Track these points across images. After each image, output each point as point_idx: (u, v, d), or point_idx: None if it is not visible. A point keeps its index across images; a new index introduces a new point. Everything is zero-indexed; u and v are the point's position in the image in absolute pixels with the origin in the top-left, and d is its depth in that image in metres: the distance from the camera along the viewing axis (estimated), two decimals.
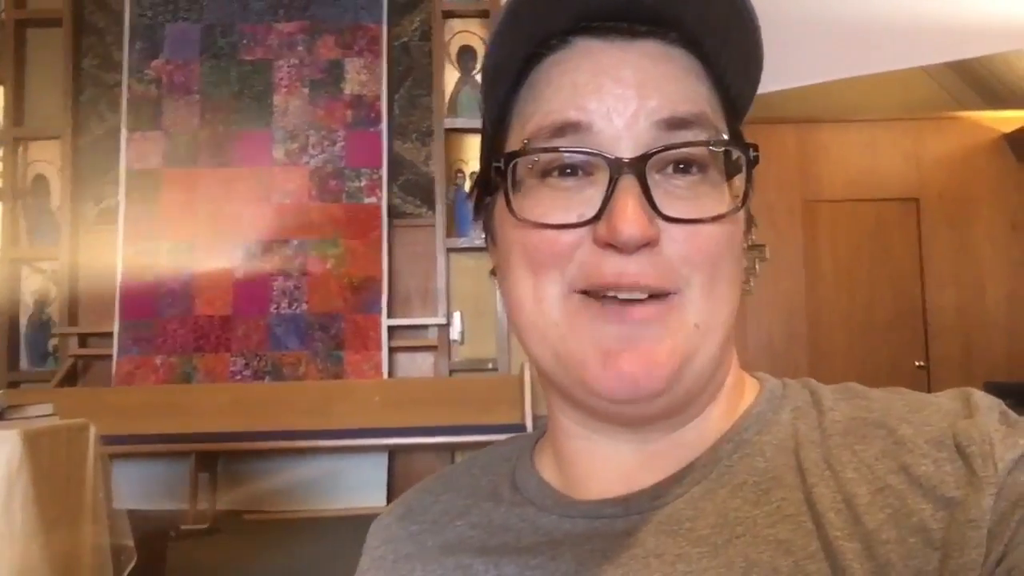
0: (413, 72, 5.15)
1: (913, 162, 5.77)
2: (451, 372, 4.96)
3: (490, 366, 4.92)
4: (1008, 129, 5.74)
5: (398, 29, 5.16)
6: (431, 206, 5.05)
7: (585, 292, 0.51)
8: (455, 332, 4.97)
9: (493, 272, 0.61)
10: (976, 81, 5.90)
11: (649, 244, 0.49)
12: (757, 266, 5.68)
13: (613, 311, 0.50)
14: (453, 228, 5.01)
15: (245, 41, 5.05)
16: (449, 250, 4.97)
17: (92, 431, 2.32)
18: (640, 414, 0.52)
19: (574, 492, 0.57)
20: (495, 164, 0.53)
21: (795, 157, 5.74)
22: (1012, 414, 0.49)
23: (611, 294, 0.50)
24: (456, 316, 4.96)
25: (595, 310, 0.50)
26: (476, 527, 0.60)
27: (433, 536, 0.61)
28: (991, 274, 5.73)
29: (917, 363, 5.68)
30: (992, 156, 5.77)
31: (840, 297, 5.75)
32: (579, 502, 0.56)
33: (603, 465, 0.56)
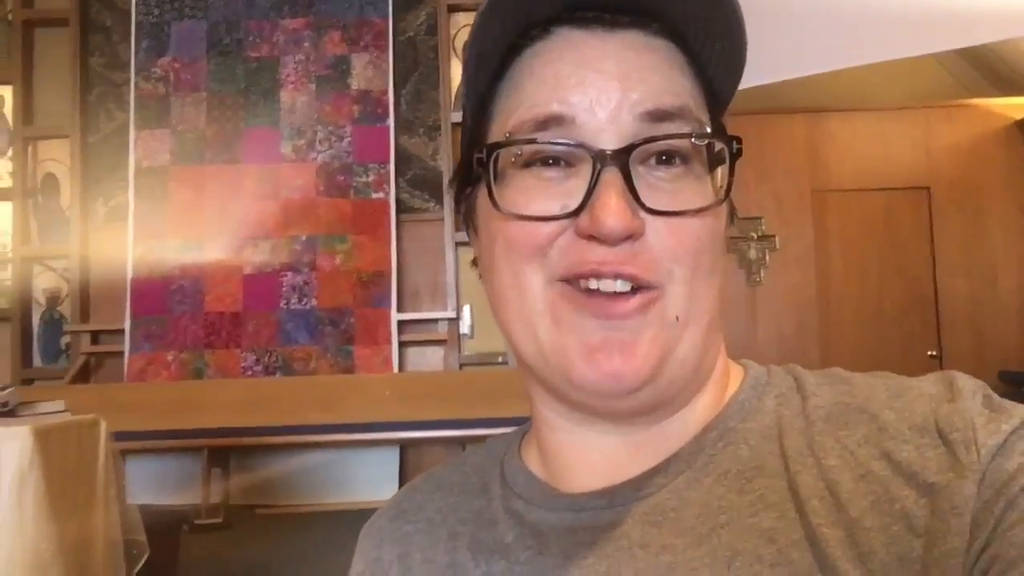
0: (419, 66, 5.15)
1: (923, 151, 5.73)
2: (461, 366, 4.96)
3: (500, 359, 4.93)
4: (1019, 116, 5.69)
5: (404, 24, 5.15)
6: (439, 200, 5.05)
7: (566, 281, 0.51)
8: (465, 326, 4.97)
9: (474, 262, 0.61)
10: (987, 68, 5.85)
11: (632, 236, 0.48)
12: (767, 256, 5.67)
13: (596, 304, 0.50)
14: (461, 222, 5.01)
15: (251, 38, 5.06)
16: (458, 244, 4.97)
17: (103, 427, 2.34)
18: (624, 408, 0.52)
19: (559, 484, 0.57)
20: (477, 155, 0.53)
21: (804, 147, 5.71)
22: (996, 397, 0.48)
23: (594, 286, 0.49)
24: (466, 310, 4.96)
25: (579, 302, 0.50)
26: (467, 523, 0.60)
27: (425, 535, 0.61)
28: (1003, 262, 5.69)
29: (929, 353, 5.65)
30: (1003, 143, 5.73)
31: (850, 287, 5.72)
32: (565, 495, 0.56)
33: (586, 457, 0.56)
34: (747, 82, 0.55)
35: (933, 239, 5.72)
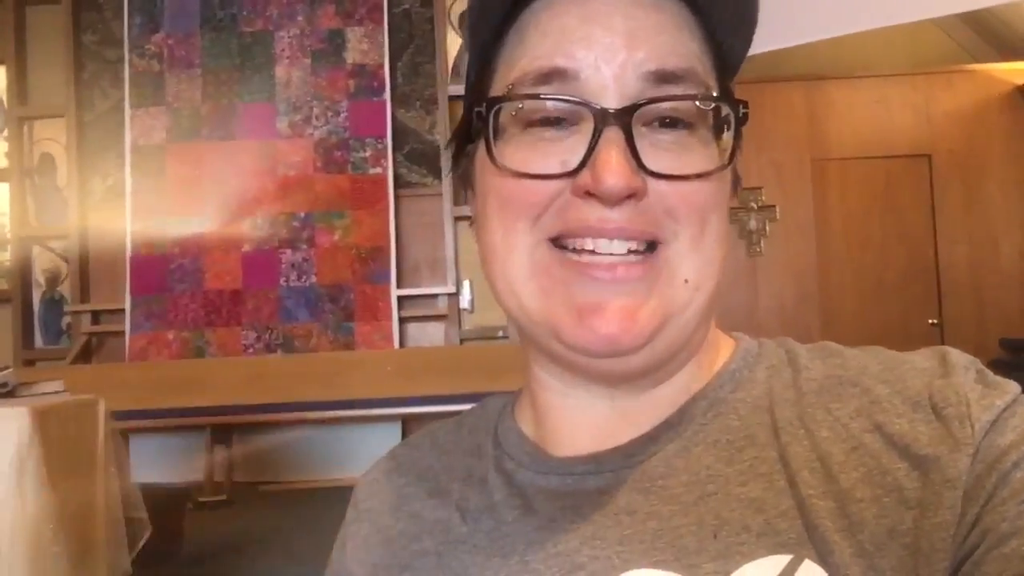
0: (415, 39, 5.10)
1: (924, 117, 5.69)
2: (462, 341, 4.96)
3: (500, 334, 4.93)
4: (1022, 81, 5.64)
5: None
6: (437, 175, 5.03)
7: (557, 240, 0.50)
8: (465, 301, 4.97)
9: (471, 222, 0.60)
10: (989, 32, 5.79)
11: (634, 196, 0.47)
12: (767, 227, 5.65)
13: (589, 269, 0.49)
14: (460, 196, 4.99)
15: (244, 12, 5.01)
16: (457, 219, 4.95)
17: (102, 406, 2.34)
18: (618, 371, 0.51)
19: (549, 447, 0.57)
20: (477, 109, 0.51)
21: (803, 115, 5.67)
22: (989, 373, 0.48)
23: (589, 246, 0.49)
24: (465, 285, 4.96)
25: (569, 268, 0.49)
26: (457, 481, 0.60)
27: (416, 490, 0.61)
28: (1004, 229, 5.67)
29: (930, 321, 5.65)
30: (1005, 109, 5.68)
31: (851, 256, 5.71)
32: (554, 459, 0.56)
33: (577, 421, 0.56)
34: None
35: (934, 207, 5.70)
